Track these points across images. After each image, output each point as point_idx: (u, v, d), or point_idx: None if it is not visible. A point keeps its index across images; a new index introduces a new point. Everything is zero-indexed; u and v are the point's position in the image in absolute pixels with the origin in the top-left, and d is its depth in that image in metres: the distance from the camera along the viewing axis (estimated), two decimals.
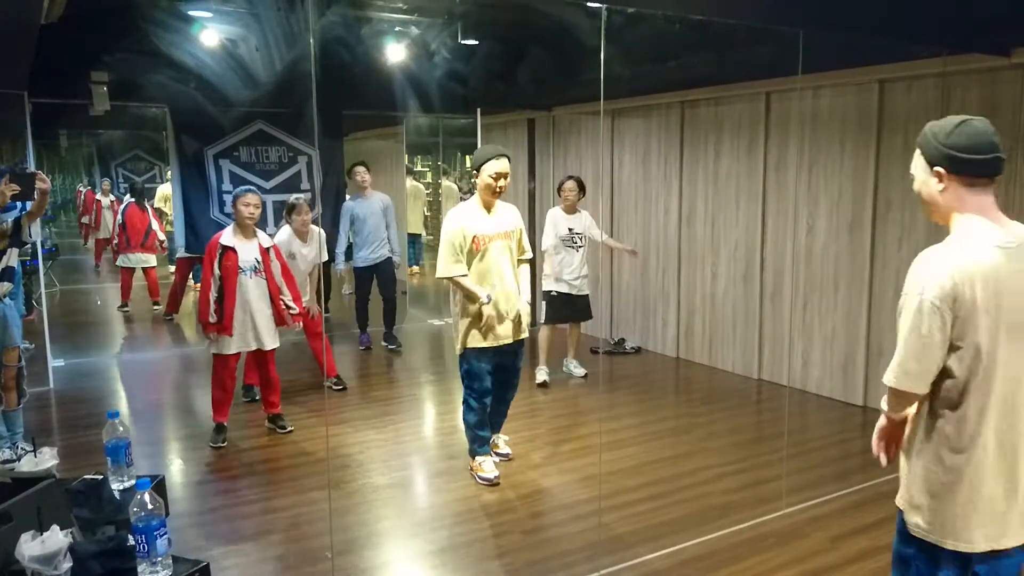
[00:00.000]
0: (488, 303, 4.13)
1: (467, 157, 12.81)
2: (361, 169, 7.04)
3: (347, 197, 7.36)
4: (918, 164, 2.00)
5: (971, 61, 4.63)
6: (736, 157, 6.38)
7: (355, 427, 5.25)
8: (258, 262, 4.88)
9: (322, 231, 5.93)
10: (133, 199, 9.27)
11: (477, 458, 4.40)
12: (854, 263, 5.57)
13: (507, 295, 4.26)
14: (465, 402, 4.38)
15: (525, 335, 4.41)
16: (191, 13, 5.31)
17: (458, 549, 3.62)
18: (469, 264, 4.18)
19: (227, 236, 4.83)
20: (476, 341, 4.22)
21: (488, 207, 4.28)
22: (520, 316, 4.31)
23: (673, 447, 4.89)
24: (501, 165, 4.16)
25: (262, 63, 5.94)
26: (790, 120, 5.94)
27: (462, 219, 4.21)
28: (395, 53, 6.07)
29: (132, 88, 6.50)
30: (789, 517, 3.88)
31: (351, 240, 7.03)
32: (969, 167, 1.91)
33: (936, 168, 1.93)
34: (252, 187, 5.11)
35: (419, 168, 12.91)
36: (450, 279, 4.19)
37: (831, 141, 5.64)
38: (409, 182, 10.45)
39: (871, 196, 5.40)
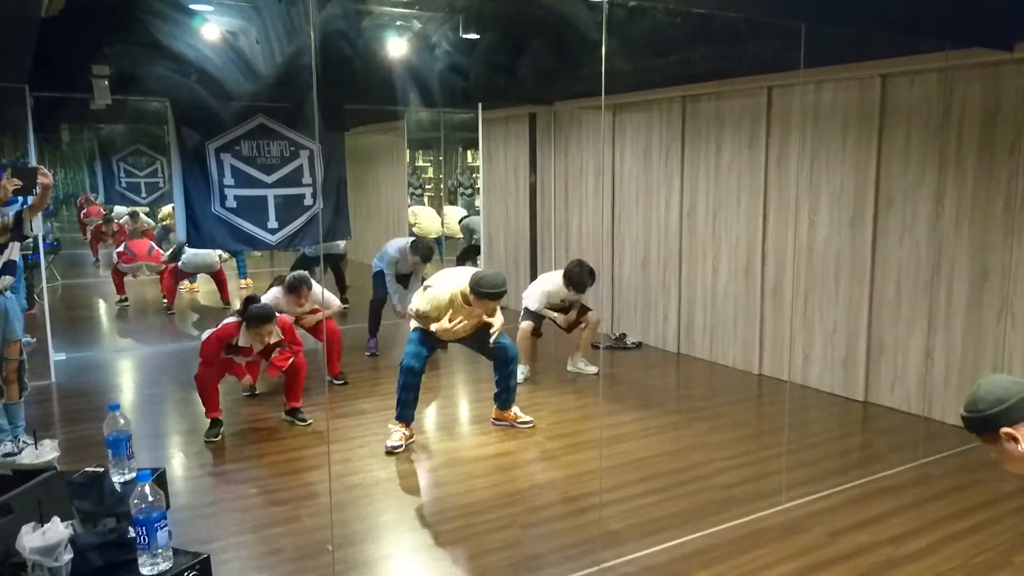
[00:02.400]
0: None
1: (468, 152, 12.80)
2: (416, 259, 7.07)
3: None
4: (987, 444, 1.89)
5: (974, 55, 4.61)
6: (737, 152, 6.37)
7: (357, 421, 5.25)
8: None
9: (323, 290, 5.98)
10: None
11: (394, 425, 4.80)
12: (855, 258, 5.57)
13: (465, 334, 4.88)
14: (405, 364, 4.75)
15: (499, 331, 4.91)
16: (192, 6, 5.29)
17: (458, 543, 3.63)
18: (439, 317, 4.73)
19: (243, 337, 4.85)
20: (425, 326, 4.79)
21: (471, 311, 4.75)
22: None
23: (673, 442, 4.90)
24: (492, 306, 4.68)
25: (263, 56, 5.92)
26: (792, 115, 5.93)
27: (441, 306, 4.68)
28: (396, 47, 6.06)
29: (133, 81, 6.49)
30: (789, 511, 3.88)
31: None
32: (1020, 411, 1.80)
33: (1003, 431, 1.81)
34: (267, 309, 4.92)
35: (421, 163, 12.87)
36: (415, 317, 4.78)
37: (833, 136, 5.63)
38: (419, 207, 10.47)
39: (873, 191, 5.39)
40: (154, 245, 9.57)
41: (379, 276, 7.15)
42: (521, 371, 6.24)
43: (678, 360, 7.00)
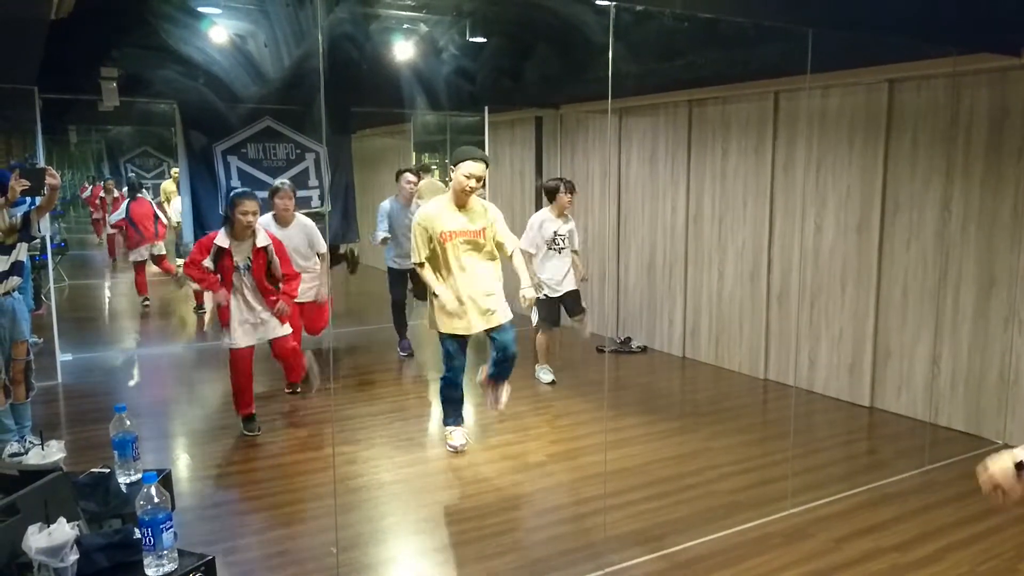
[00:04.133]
0: (437, 297, 4.51)
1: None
2: (410, 177, 6.77)
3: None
4: None
5: (981, 61, 4.60)
6: (744, 156, 6.36)
7: (361, 424, 5.26)
8: (250, 260, 4.84)
9: (311, 223, 5.85)
10: (135, 196, 9.34)
11: (447, 428, 4.80)
12: (862, 263, 5.55)
13: (468, 289, 4.50)
14: (442, 378, 4.73)
15: (504, 319, 4.60)
16: (200, 9, 5.33)
17: (462, 546, 3.63)
18: (434, 256, 4.48)
19: (221, 237, 4.76)
20: (444, 327, 4.55)
21: (460, 205, 4.51)
22: (490, 307, 4.55)
23: (678, 446, 4.89)
24: (476, 168, 4.42)
25: (271, 59, 5.95)
26: (799, 119, 5.92)
27: (429, 214, 4.48)
28: (403, 50, 6.08)
29: (141, 84, 6.53)
30: (794, 517, 3.87)
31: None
32: None
33: None
34: (248, 190, 4.96)
35: (425, 162, 12.88)
36: (417, 265, 4.57)
37: (840, 141, 5.62)
38: (427, 179, 10.20)
39: (879, 196, 5.38)
40: (159, 214, 9.35)
41: (393, 274, 6.91)
42: (546, 372, 6.25)
43: (683, 364, 6.99)
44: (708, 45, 5.31)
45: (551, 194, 6.03)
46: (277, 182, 5.72)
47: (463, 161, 4.41)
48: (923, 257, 5.21)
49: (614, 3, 3.40)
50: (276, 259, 4.92)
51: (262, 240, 4.86)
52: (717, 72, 5.88)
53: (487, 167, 4.51)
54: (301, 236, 5.69)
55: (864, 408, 5.59)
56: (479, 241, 4.54)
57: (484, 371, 4.80)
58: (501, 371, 4.72)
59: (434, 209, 4.51)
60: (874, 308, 5.50)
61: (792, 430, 4.81)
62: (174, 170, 10.12)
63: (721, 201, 6.60)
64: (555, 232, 5.99)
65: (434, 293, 4.52)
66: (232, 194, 4.88)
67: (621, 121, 7.55)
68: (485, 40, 5.99)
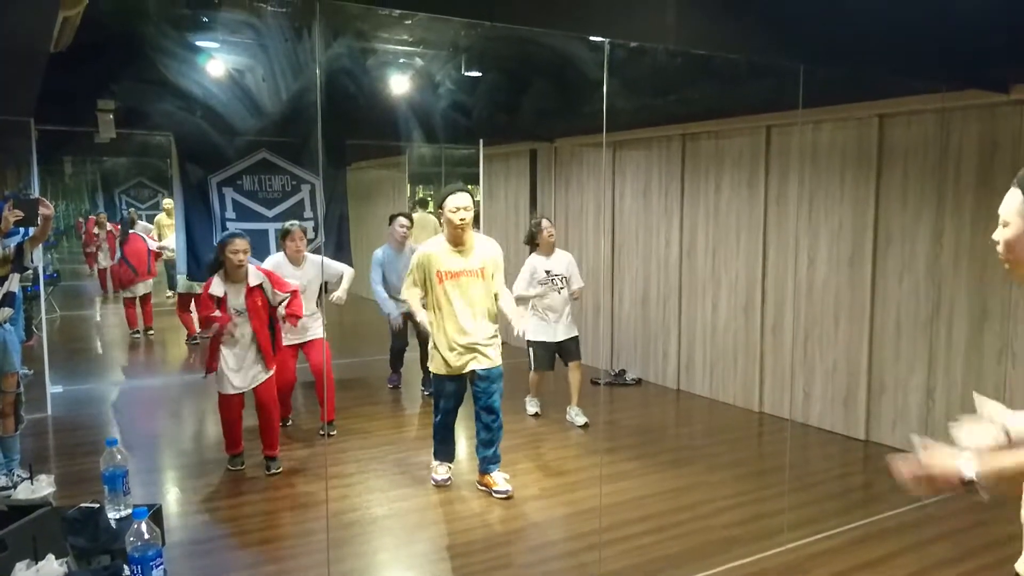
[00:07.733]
0: (423, 320, 4.56)
1: (469, 187, 12.90)
2: (403, 221, 6.66)
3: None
4: (1013, 207, 1.70)
5: (970, 97, 4.67)
6: (737, 190, 6.41)
7: (354, 458, 5.21)
8: (243, 304, 4.78)
9: (324, 257, 5.82)
10: (128, 234, 9.34)
11: (434, 462, 4.81)
12: (855, 296, 5.57)
13: (461, 329, 4.44)
14: (434, 417, 4.77)
15: (493, 365, 4.53)
16: (198, 43, 5.36)
17: None
18: (433, 295, 4.48)
19: (216, 285, 4.70)
20: (437, 368, 4.57)
21: (457, 243, 4.45)
22: (481, 349, 4.50)
23: (673, 480, 4.86)
24: (461, 199, 4.38)
25: (268, 93, 5.99)
26: (791, 154, 5.98)
27: (427, 253, 4.49)
28: (399, 84, 6.13)
29: (138, 116, 6.55)
30: (791, 552, 3.84)
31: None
32: None
33: None
34: (237, 230, 4.93)
35: (420, 196, 12.95)
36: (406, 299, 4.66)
37: (831, 175, 5.68)
38: (419, 213, 10.18)
39: (871, 230, 5.42)
40: (150, 244, 9.36)
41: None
42: (533, 405, 6.23)
43: (678, 397, 6.97)
44: (701, 80, 5.37)
45: (532, 239, 5.96)
46: (286, 224, 5.66)
47: (446, 198, 4.40)
48: (916, 290, 5.23)
49: (608, 39, 3.44)
50: (273, 291, 4.86)
51: (254, 279, 4.81)
52: (710, 107, 5.95)
53: (472, 197, 4.49)
54: (315, 272, 5.65)
55: (859, 441, 5.57)
56: (478, 280, 4.46)
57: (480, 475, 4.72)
58: (488, 435, 4.59)
59: (432, 248, 4.51)
60: (868, 341, 5.51)
61: (787, 464, 4.79)
62: (166, 201, 10.14)
63: (714, 234, 6.64)
64: (547, 272, 5.88)
65: (421, 322, 4.60)
66: (221, 237, 4.91)
67: (615, 154, 7.61)
68: (481, 74, 6.05)
